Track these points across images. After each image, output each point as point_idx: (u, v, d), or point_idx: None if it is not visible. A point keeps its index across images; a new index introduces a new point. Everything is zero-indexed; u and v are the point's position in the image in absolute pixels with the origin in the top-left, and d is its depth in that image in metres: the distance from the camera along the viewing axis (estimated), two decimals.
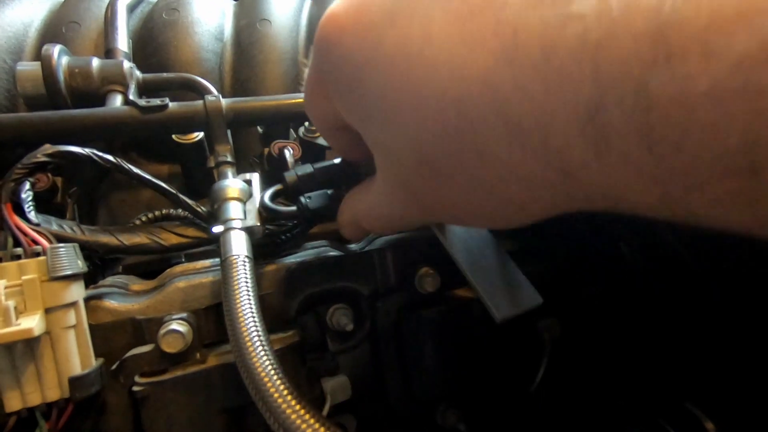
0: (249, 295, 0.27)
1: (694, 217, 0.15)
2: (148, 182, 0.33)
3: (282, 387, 0.23)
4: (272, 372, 0.24)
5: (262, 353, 0.24)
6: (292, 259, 0.35)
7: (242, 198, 0.34)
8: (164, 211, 0.40)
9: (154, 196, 0.45)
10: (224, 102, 0.40)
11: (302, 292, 0.34)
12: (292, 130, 0.46)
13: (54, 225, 0.30)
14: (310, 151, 0.44)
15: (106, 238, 0.32)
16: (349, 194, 0.30)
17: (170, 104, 0.39)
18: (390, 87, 0.19)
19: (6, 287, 0.25)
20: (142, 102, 0.38)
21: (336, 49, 0.21)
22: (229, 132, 0.41)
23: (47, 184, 0.36)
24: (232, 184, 0.34)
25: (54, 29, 0.50)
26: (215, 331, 0.32)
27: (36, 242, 0.27)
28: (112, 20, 0.47)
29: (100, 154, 0.32)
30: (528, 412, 0.37)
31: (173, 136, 0.41)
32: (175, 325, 0.29)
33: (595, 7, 0.13)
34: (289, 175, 0.33)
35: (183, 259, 0.41)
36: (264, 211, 0.33)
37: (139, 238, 0.33)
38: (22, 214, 0.28)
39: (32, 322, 0.25)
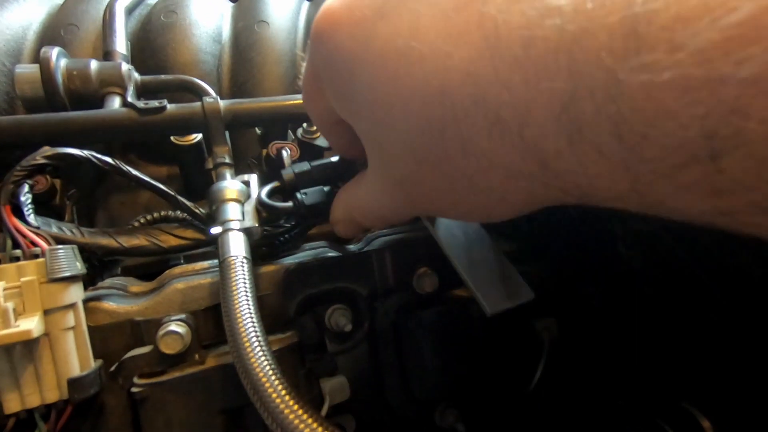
0: (247, 296, 0.27)
1: (663, 207, 0.15)
2: (147, 184, 0.33)
3: (280, 388, 0.23)
4: (270, 373, 0.24)
5: (261, 354, 0.24)
6: (290, 260, 0.35)
7: (240, 199, 0.34)
8: (163, 213, 0.40)
9: (152, 198, 0.45)
10: (222, 104, 0.40)
11: (301, 292, 0.34)
12: (290, 132, 0.47)
13: (53, 227, 0.30)
14: (308, 152, 0.44)
15: (105, 240, 0.32)
16: (342, 189, 0.31)
17: (168, 106, 0.39)
18: (379, 80, 0.19)
19: (5, 289, 0.25)
20: (141, 104, 0.38)
21: (329, 44, 0.21)
22: (227, 133, 0.41)
23: (46, 186, 0.36)
24: (230, 185, 0.34)
25: (52, 32, 0.50)
26: (214, 333, 0.32)
27: (35, 244, 0.27)
28: (110, 22, 0.47)
29: (99, 156, 0.32)
30: (526, 412, 0.37)
31: (171, 138, 0.41)
32: (173, 327, 0.29)
33: (573, 0, 0.14)
34: (287, 173, 0.33)
35: (182, 261, 0.41)
36: (261, 207, 0.33)
37: (138, 240, 0.33)
38: (21, 216, 0.29)
39: (31, 324, 0.25)
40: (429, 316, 0.35)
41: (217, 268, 0.34)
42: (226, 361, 0.30)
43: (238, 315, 0.26)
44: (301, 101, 0.42)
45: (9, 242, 0.27)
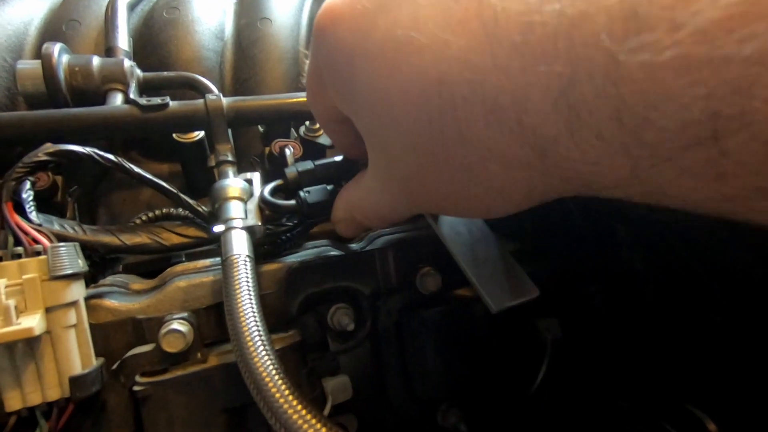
0: (250, 295, 0.27)
1: (666, 194, 0.15)
2: (149, 181, 0.33)
3: (283, 387, 0.23)
4: (274, 372, 0.24)
5: (264, 353, 0.24)
6: (292, 259, 0.35)
7: (243, 197, 0.33)
8: (165, 211, 0.40)
9: (154, 195, 0.45)
10: (225, 101, 0.40)
11: (303, 291, 0.33)
12: (293, 129, 0.46)
13: (55, 224, 0.30)
14: (310, 150, 0.44)
15: (107, 238, 0.32)
16: (344, 188, 0.31)
17: (171, 103, 0.39)
18: (378, 73, 0.19)
19: (6, 286, 0.25)
20: (143, 101, 0.38)
21: (330, 40, 0.21)
22: (229, 131, 0.41)
23: (47, 183, 0.36)
24: (232, 183, 0.34)
25: (54, 27, 0.50)
26: (216, 331, 0.32)
27: (37, 241, 0.27)
28: (112, 18, 0.47)
29: (101, 153, 0.32)
30: (529, 412, 0.37)
31: (174, 135, 0.41)
32: (175, 325, 0.29)
33: None
34: (290, 171, 0.33)
35: (183, 259, 0.41)
36: (263, 205, 0.33)
37: (140, 238, 0.33)
38: (23, 213, 0.28)
39: (33, 322, 0.25)
40: (432, 315, 0.35)
41: (218, 266, 0.34)
42: (228, 360, 0.30)
43: (241, 314, 0.25)
44: (304, 99, 0.43)
45: (11, 239, 0.27)
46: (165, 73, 0.46)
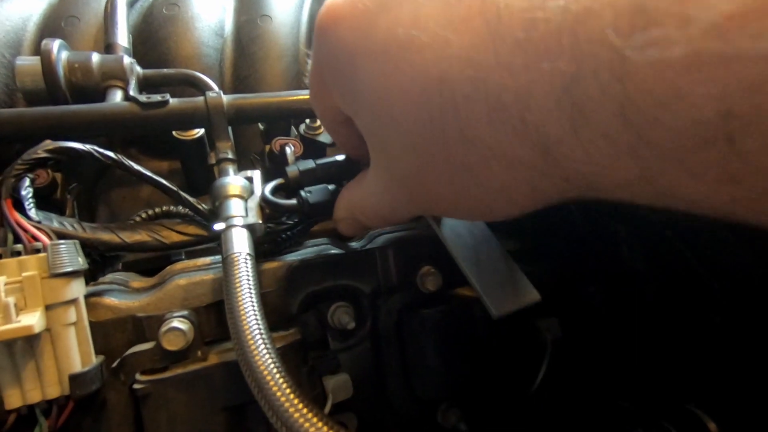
0: (251, 293, 0.27)
1: (675, 197, 0.14)
2: (149, 179, 0.33)
3: (284, 385, 0.23)
4: (275, 370, 0.24)
5: (265, 351, 0.24)
6: (293, 257, 0.35)
7: (243, 195, 0.33)
8: (164, 208, 0.40)
9: (153, 193, 0.45)
10: (225, 98, 0.40)
11: (303, 290, 0.33)
12: (293, 128, 0.46)
13: (54, 222, 0.30)
14: (311, 149, 0.44)
15: (106, 236, 0.31)
16: (345, 188, 0.30)
17: (171, 100, 0.39)
18: (379, 72, 0.19)
19: (6, 284, 0.25)
20: (143, 98, 0.38)
21: (332, 39, 0.21)
22: (230, 129, 0.40)
23: (47, 180, 0.36)
24: (233, 181, 0.34)
25: (53, 24, 0.50)
26: (216, 329, 0.32)
27: (36, 239, 0.27)
28: (111, 15, 0.47)
29: (101, 150, 0.32)
30: (529, 412, 0.37)
31: (174, 133, 0.41)
32: (176, 323, 0.29)
33: None
34: (291, 170, 0.33)
35: (183, 257, 0.40)
36: (264, 204, 0.33)
37: (140, 236, 0.33)
38: (23, 211, 0.28)
39: (32, 319, 0.25)
40: (432, 315, 0.35)
41: (218, 265, 0.34)
42: (228, 358, 0.30)
43: (242, 312, 0.25)
44: (305, 97, 0.42)
45: (10, 237, 0.27)
46: (165, 70, 0.46)
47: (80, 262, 0.28)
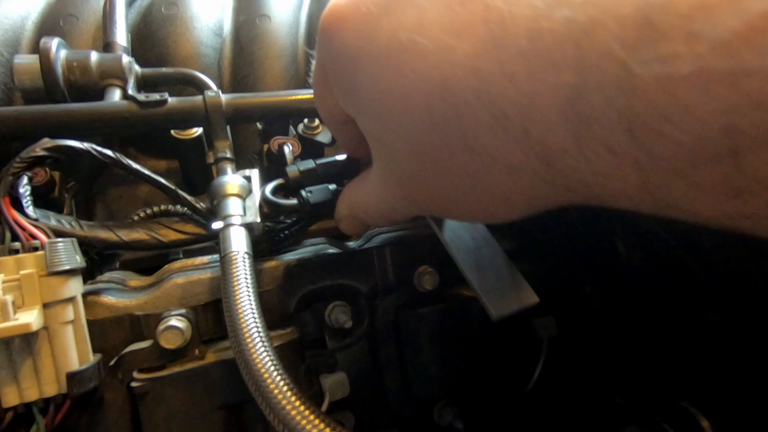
0: (249, 292, 0.27)
1: (678, 209, 0.14)
2: (148, 178, 0.33)
3: (282, 383, 0.23)
4: (272, 368, 0.24)
5: (262, 349, 0.24)
6: (291, 256, 0.35)
7: (242, 194, 0.33)
8: (162, 207, 0.40)
9: (151, 192, 0.45)
10: (224, 98, 0.40)
11: (301, 289, 0.34)
12: (291, 127, 0.46)
13: (52, 220, 0.30)
14: (309, 148, 0.44)
15: (104, 234, 0.31)
16: (347, 187, 0.30)
17: (169, 99, 0.39)
18: (382, 75, 0.19)
19: (4, 282, 0.25)
20: (142, 97, 0.38)
21: (334, 41, 0.21)
22: (228, 128, 0.41)
23: (45, 178, 0.36)
24: (231, 180, 0.34)
25: (51, 22, 0.50)
26: (213, 328, 0.32)
27: (34, 237, 0.27)
28: (110, 14, 0.47)
29: (99, 148, 0.32)
30: (525, 410, 0.38)
31: (172, 132, 0.41)
32: (174, 321, 0.29)
33: None
34: (291, 170, 0.33)
35: (181, 256, 0.40)
36: (265, 204, 0.33)
37: (138, 234, 0.33)
38: (20, 209, 0.28)
39: (30, 317, 0.25)
40: (429, 314, 0.35)
41: (216, 264, 0.34)
42: (225, 357, 0.30)
43: (240, 310, 0.26)
44: (303, 96, 0.43)
45: (8, 235, 0.27)
46: (163, 70, 0.46)
47: (78, 260, 0.28)
